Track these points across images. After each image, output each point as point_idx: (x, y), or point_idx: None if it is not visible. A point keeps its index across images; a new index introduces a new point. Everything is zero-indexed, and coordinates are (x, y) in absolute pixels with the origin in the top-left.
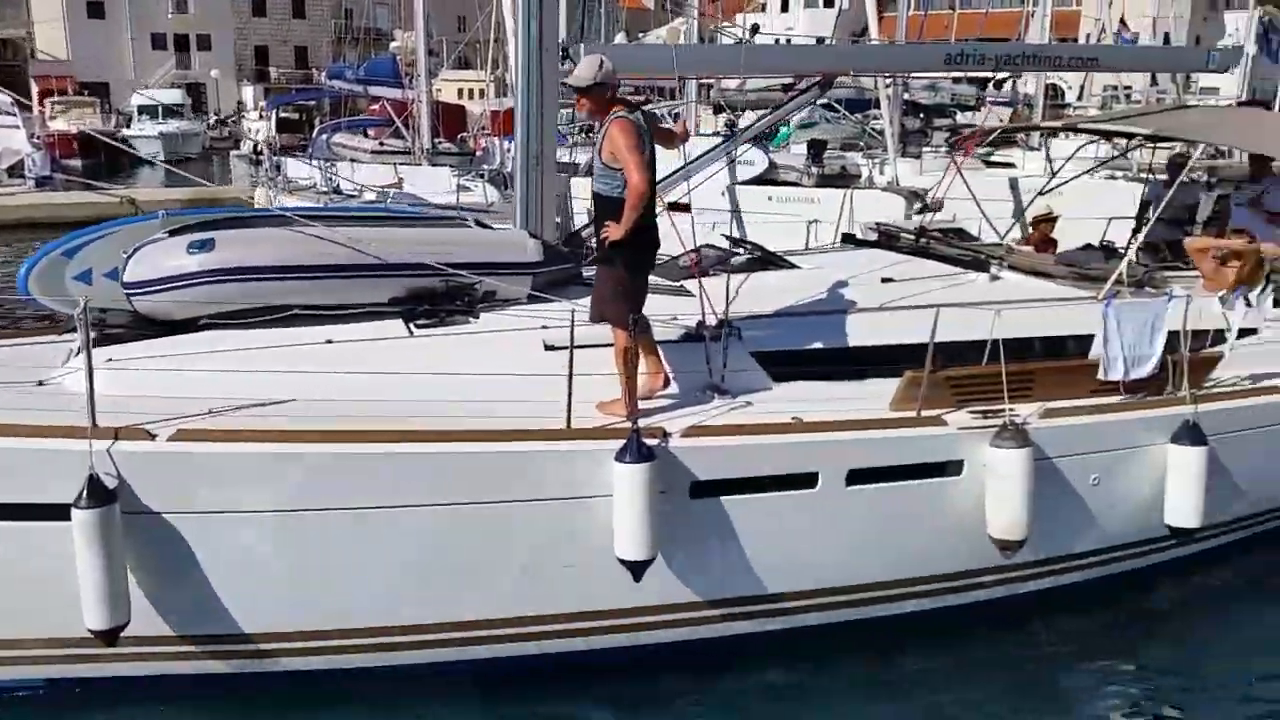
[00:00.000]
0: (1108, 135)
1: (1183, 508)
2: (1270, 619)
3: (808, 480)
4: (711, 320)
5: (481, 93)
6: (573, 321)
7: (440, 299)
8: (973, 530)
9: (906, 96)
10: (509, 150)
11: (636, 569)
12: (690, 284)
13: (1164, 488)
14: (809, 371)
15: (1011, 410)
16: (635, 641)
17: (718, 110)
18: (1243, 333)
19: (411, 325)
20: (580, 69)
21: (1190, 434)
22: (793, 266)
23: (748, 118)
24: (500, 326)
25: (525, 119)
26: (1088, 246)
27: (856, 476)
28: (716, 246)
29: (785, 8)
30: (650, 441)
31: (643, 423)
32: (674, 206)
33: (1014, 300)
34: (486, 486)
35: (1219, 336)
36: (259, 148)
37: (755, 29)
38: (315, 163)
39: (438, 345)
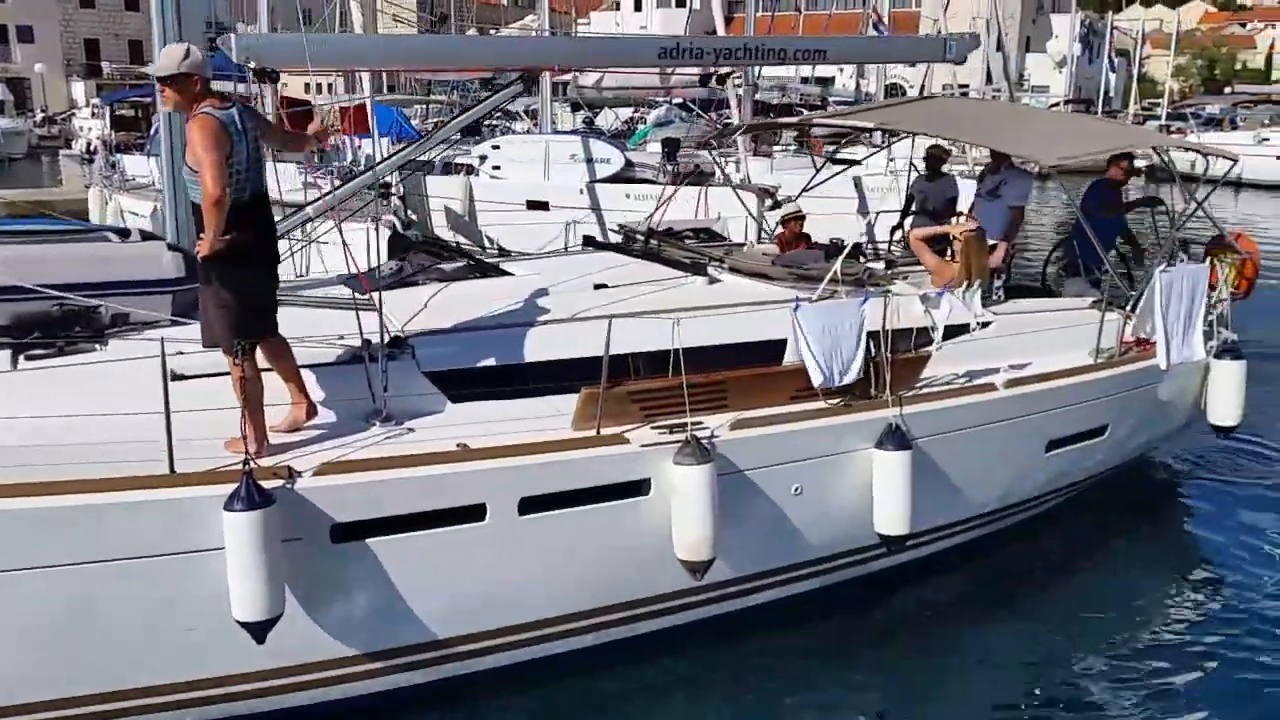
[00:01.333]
0: (841, 129)
1: (891, 515)
2: (990, 624)
3: (474, 513)
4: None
5: (330, 87)
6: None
7: (55, 325)
8: (667, 552)
9: (756, 97)
10: (360, 146)
11: (257, 630)
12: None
13: (872, 495)
14: (493, 391)
15: (697, 424)
16: (281, 706)
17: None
18: (957, 330)
19: (21, 357)
20: (161, 58)
21: (894, 438)
22: (504, 274)
23: (606, 115)
24: (128, 355)
25: (169, 116)
26: (815, 245)
27: (531, 504)
28: (429, 252)
29: (638, 7)
30: (272, 483)
31: (274, 460)
32: (532, 205)
33: (700, 307)
34: (79, 545)
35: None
36: (92, 145)
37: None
38: (155, 159)
39: (45, 379)
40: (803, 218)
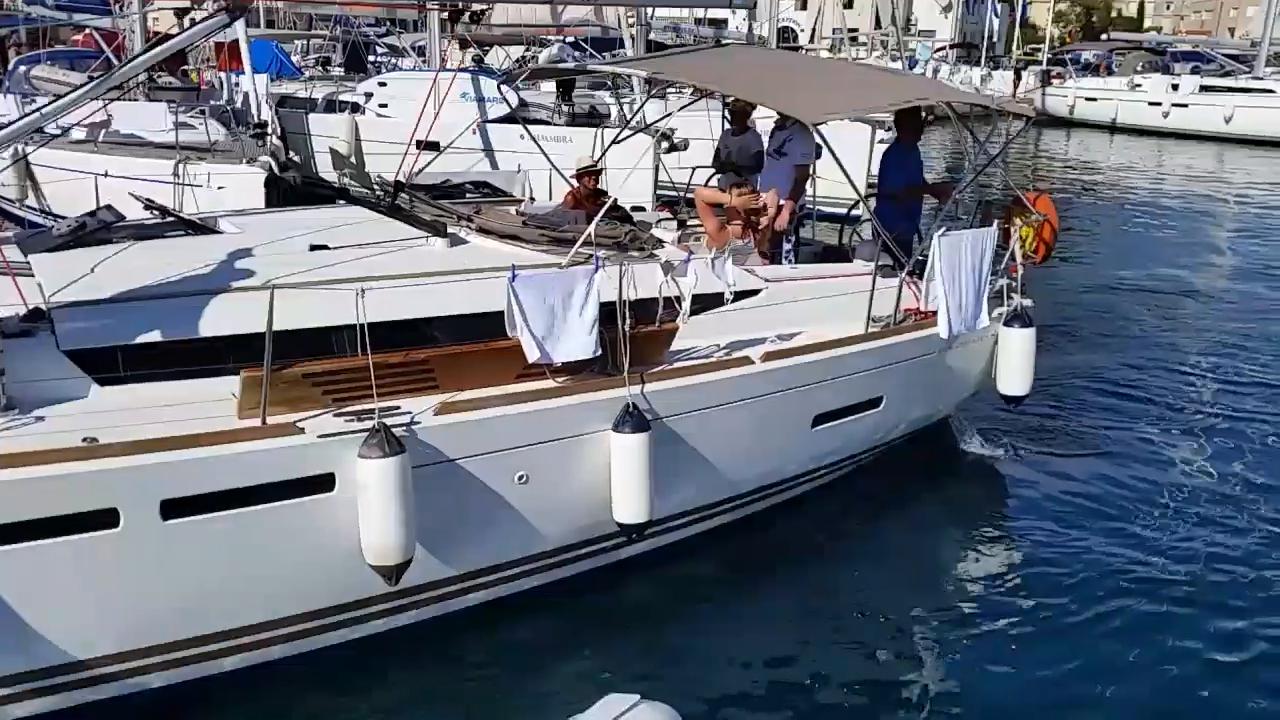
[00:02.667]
0: (614, 77)
1: (630, 501)
2: (735, 611)
3: (105, 519)
4: (23, 310)
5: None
6: None
7: None
8: (358, 556)
9: (651, 37)
10: (238, 84)
11: None
12: (40, 261)
13: (610, 481)
14: (153, 372)
15: (392, 409)
16: None
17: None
18: (737, 297)
19: None
20: None
21: (631, 420)
22: (212, 232)
23: (497, 54)
24: None
25: None
26: (614, 207)
27: (176, 507)
28: (114, 210)
29: None
30: None
31: None
32: (421, 145)
33: (392, 275)
34: None
35: (713, 302)
36: None
37: None
38: (12, 98)
39: None
40: (598, 173)
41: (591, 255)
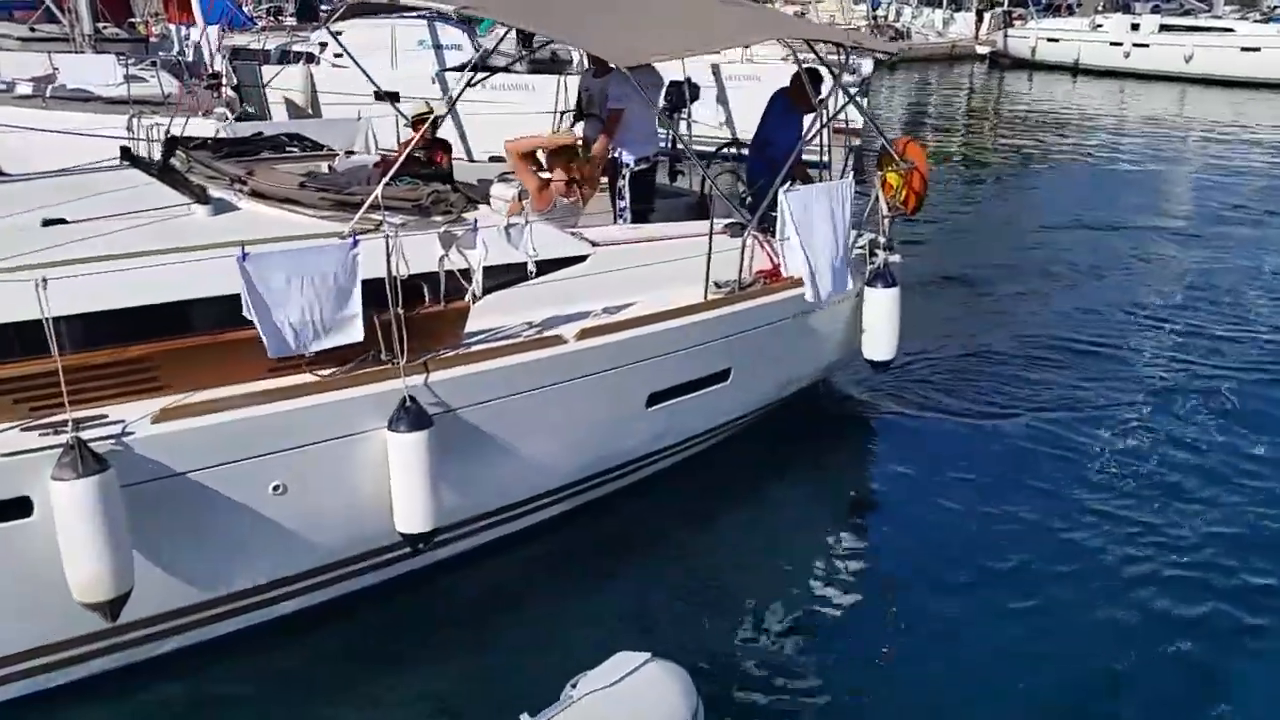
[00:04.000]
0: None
1: (411, 508)
2: (525, 618)
3: None
4: None
5: None
6: None
7: None
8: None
9: None
10: (188, 36)
11: None
12: None
13: (389, 486)
14: None
15: (97, 419)
16: None
17: None
18: (560, 265)
19: None
20: None
21: (409, 415)
22: None
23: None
24: None
25: None
26: (442, 163)
27: None
28: None
29: None
30: None
31: None
32: (380, 95)
33: (90, 259)
34: None
35: (517, 274)
36: None
37: None
38: None
39: None
40: (432, 120)
41: (383, 221)
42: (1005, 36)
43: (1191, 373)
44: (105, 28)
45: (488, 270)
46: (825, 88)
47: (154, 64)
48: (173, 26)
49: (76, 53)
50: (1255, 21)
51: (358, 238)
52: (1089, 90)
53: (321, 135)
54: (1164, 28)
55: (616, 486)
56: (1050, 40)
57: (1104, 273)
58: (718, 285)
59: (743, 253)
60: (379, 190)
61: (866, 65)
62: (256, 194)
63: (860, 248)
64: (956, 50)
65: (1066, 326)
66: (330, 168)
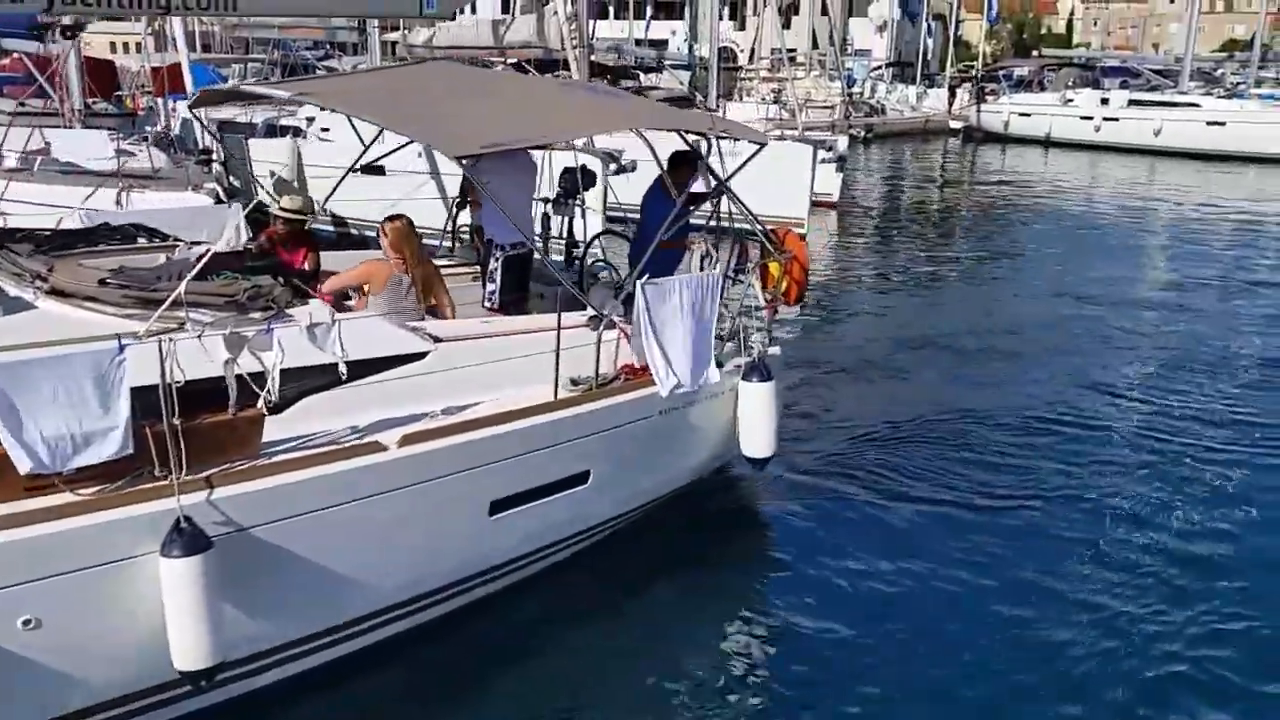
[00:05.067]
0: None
1: (189, 642)
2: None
3: None
4: None
5: (137, 46)
6: None
7: None
8: None
9: (592, 58)
10: (175, 110)
11: None
12: None
13: (164, 617)
14: None
15: None
16: None
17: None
18: (398, 362)
19: None
20: None
21: (183, 539)
22: None
23: None
24: None
25: None
26: (235, 254)
27: None
28: None
29: None
30: None
31: None
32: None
33: None
34: None
35: (370, 369)
36: None
37: None
38: None
39: None
40: (301, 217)
41: (186, 320)
42: (978, 111)
43: (1133, 445)
44: (94, 103)
45: (305, 371)
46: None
47: (144, 139)
48: (159, 100)
49: (66, 128)
50: (1219, 97)
51: (124, 342)
52: (1061, 163)
53: (193, 224)
54: (1133, 103)
55: (467, 601)
56: (1022, 115)
57: (1072, 345)
58: (574, 382)
59: (598, 347)
60: (182, 287)
61: (842, 142)
62: (56, 292)
63: (735, 340)
64: (930, 125)
65: (1024, 400)
66: (167, 260)
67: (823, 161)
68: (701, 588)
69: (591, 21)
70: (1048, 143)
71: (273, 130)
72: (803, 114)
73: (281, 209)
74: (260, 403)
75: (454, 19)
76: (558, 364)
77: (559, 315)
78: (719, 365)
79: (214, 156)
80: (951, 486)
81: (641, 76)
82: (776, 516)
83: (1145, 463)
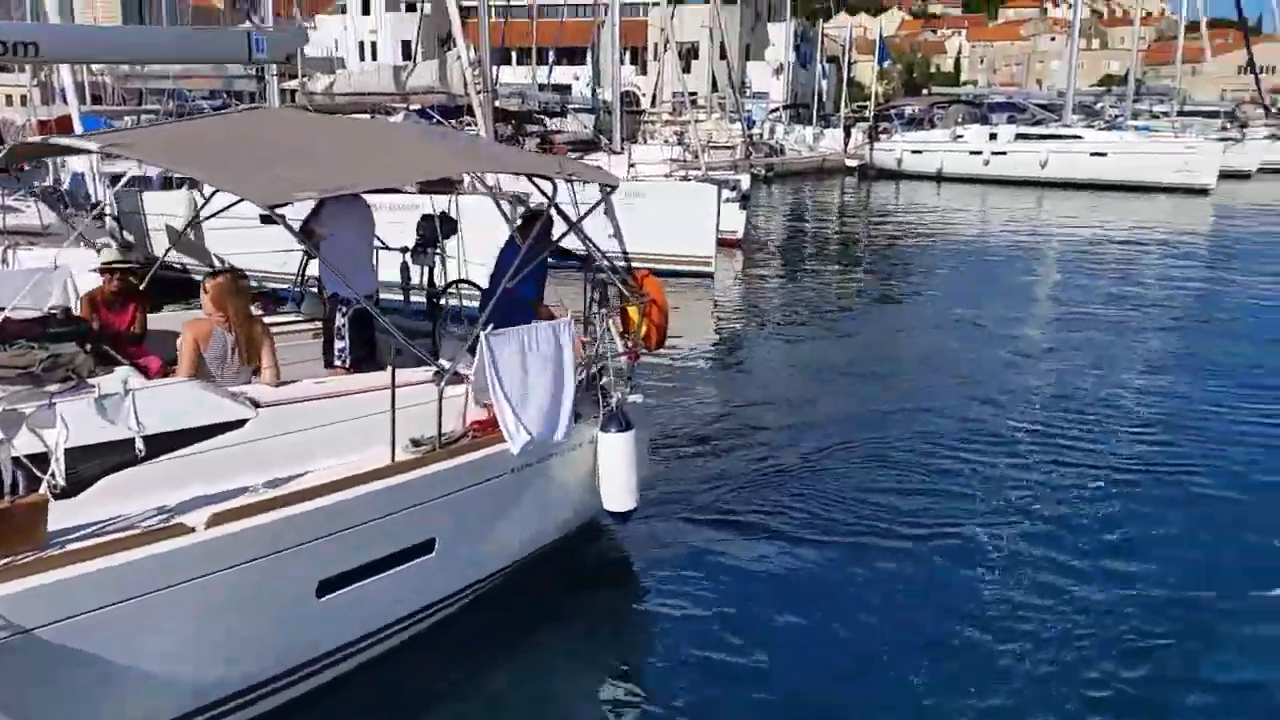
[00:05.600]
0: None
1: None
2: None
3: None
4: None
5: (23, 99)
6: None
7: None
8: None
9: (496, 104)
10: (64, 163)
11: None
12: None
13: None
14: None
15: None
16: None
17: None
18: (215, 431)
19: None
20: None
21: None
22: None
23: None
24: None
25: None
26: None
27: None
28: None
29: (366, 9)
30: None
31: None
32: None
33: None
34: None
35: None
36: None
37: None
38: None
39: None
40: (125, 270)
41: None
42: (872, 150)
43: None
44: None
45: (107, 447)
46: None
47: (32, 194)
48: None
49: None
50: (1100, 129)
51: None
52: (953, 197)
53: (18, 287)
54: (1019, 136)
55: (300, 691)
56: (915, 152)
57: (968, 374)
58: (415, 443)
59: (440, 403)
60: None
61: (745, 181)
62: None
63: (592, 388)
64: (827, 164)
65: (915, 433)
66: None
67: (727, 201)
68: (574, 650)
69: (495, 67)
70: (940, 178)
71: (168, 183)
72: (705, 155)
73: (103, 263)
74: (44, 486)
75: (286, 61)
76: (394, 424)
77: (393, 372)
78: (576, 417)
79: (106, 211)
80: (838, 523)
81: (547, 121)
82: (655, 565)
83: (1033, 485)
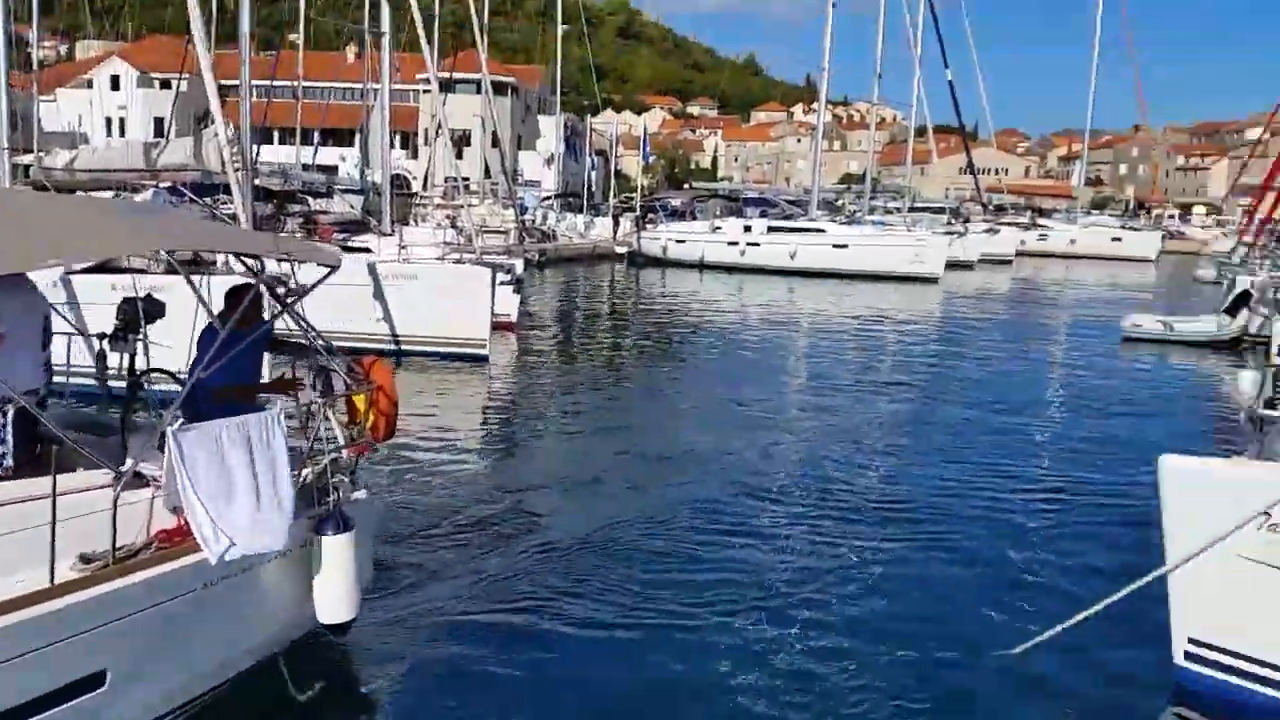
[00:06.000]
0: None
1: None
2: None
3: None
4: None
5: None
6: None
7: None
8: None
9: (256, 182)
10: None
11: None
12: None
13: None
14: None
15: None
16: None
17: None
18: None
19: None
20: None
21: None
22: None
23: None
24: None
25: None
26: None
27: None
28: None
29: (116, 85)
30: None
31: None
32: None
33: None
34: None
35: None
36: None
37: None
38: None
39: None
40: None
41: None
42: (639, 238)
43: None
44: None
45: None
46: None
47: None
48: None
49: None
50: (842, 223)
51: None
52: (714, 284)
53: None
54: (771, 229)
55: None
56: (679, 241)
57: (730, 452)
58: (85, 559)
59: (114, 511)
60: None
61: (518, 265)
62: None
63: (308, 484)
64: (598, 250)
65: (673, 521)
66: None
67: (501, 284)
68: None
69: (255, 145)
70: (702, 266)
71: None
72: (479, 239)
73: None
74: None
75: None
76: (53, 538)
77: (53, 478)
78: (291, 518)
79: None
80: (593, 619)
81: (311, 201)
82: (381, 681)
83: (791, 553)
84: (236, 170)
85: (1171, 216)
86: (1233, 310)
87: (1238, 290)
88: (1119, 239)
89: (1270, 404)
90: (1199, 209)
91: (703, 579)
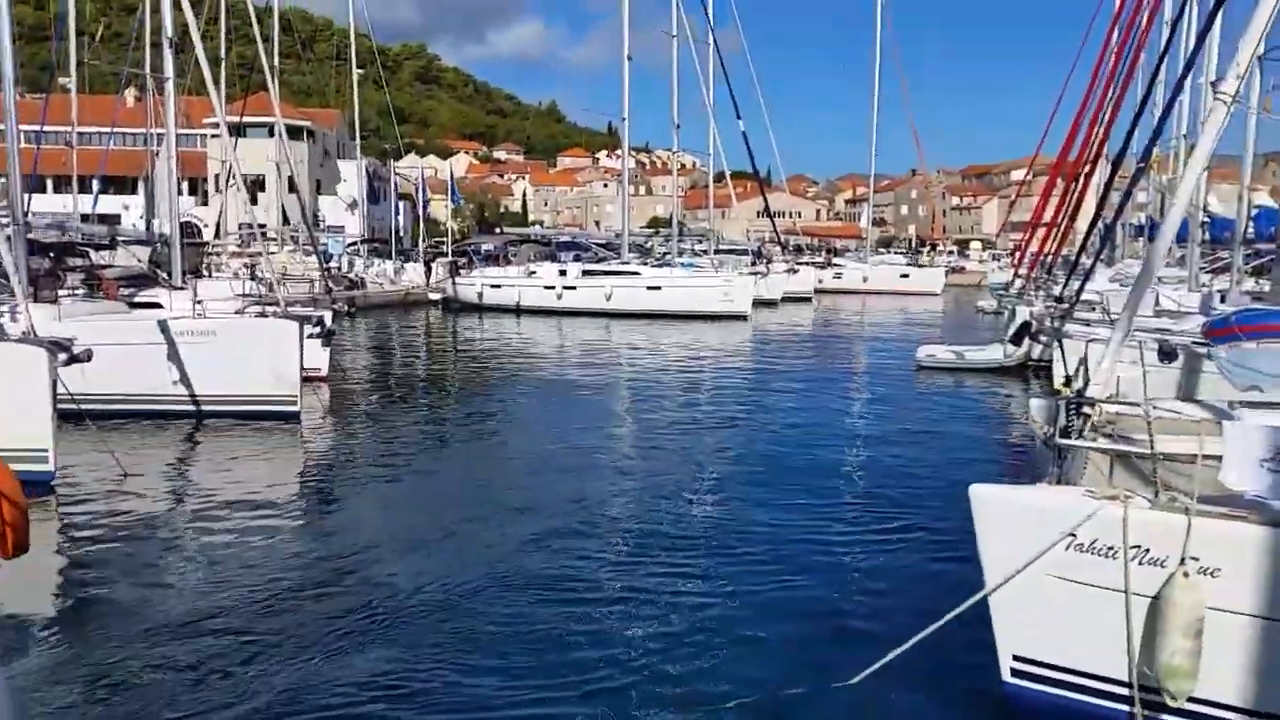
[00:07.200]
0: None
1: None
2: None
3: None
4: None
5: None
6: None
7: None
8: None
9: (30, 236)
10: None
11: None
12: None
13: None
14: None
15: None
16: None
17: None
18: None
19: None
20: None
21: None
22: None
23: None
24: None
25: None
26: None
27: None
28: None
29: None
30: None
31: None
32: None
33: None
34: None
35: None
36: None
37: None
38: None
39: None
40: None
41: None
42: (454, 284)
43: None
44: None
45: None
46: None
47: None
48: None
49: None
50: (653, 266)
51: None
52: (532, 328)
53: None
54: (586, 273)
55: None
56: (494, 286)
57: (556, 498)
58: None
59: None
60: None
61: (327, 316)
62: None
63: None
64: (410, 297)
65: (499, 581)
66: None
67: (310, 336)
68: None
69: (27, 195)
70: (519, 310)
71: None
72: (282, 289)
73: None
74: None
75: None
76: None
77: None
78: None
79: None
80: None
81: (93, 254)
82: None
83: (622, 602)
84: (7, 224)
85: (950, 252)
86: (1016, 339)
87: (1019, 320)
88: (907, 275)
89: (1064, 433)
90: (975, 244)
91: (536, 638)
